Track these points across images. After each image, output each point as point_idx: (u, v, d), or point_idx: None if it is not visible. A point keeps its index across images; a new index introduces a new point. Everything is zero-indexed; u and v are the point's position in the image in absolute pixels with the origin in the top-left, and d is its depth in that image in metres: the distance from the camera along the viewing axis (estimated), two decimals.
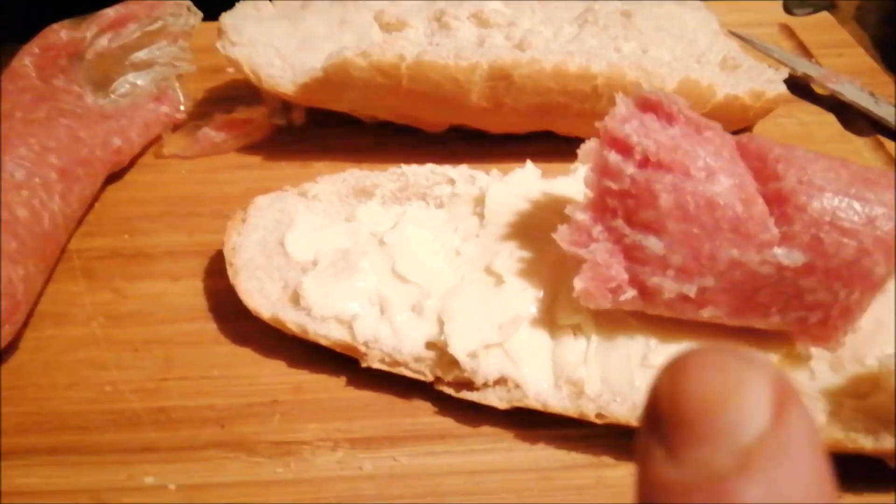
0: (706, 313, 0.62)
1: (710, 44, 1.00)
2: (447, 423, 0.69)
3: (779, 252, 0.59)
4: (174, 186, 0.97)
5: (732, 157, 0.62)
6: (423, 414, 0.70)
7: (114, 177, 0.98)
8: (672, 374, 0.25)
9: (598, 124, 0.65)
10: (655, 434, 0.25)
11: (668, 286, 0.61)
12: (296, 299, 0.72)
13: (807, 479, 0.24)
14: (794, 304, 0.61)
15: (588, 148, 0.65)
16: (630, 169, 0.62)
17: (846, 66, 1.14)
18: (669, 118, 0.64)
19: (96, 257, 0.87)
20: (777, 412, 0.23)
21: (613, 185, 0.63)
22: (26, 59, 0.94)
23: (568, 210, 0.66)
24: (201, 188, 0.96)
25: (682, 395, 0.24)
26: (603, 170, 0.63)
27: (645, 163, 0.62)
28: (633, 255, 0.63)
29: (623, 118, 0.63)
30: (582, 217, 0.65)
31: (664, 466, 0.24)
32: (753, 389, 0.24)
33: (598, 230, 0.64)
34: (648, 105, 0.65)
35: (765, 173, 0.61)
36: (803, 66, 1.10)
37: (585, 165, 0.66)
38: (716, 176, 0.60)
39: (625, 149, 0.62)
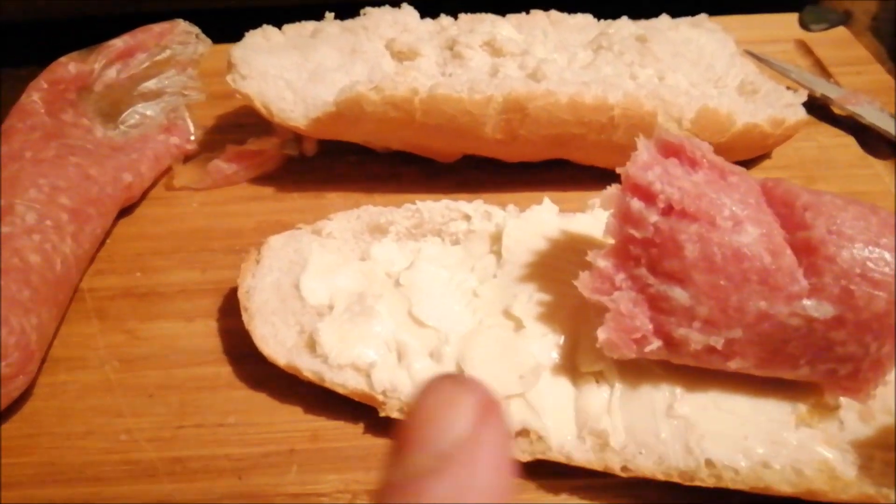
0: (734, 364, 0.61)
1: (727, 67, 0.98)
2: None
3: (808, 304, 0.57)
4: (185, 220, 0.96)
5: (758, 204, 0.61)
6: None
7: (125, 210, 0.97)
8: (413, 396, 0.31)
9: (619, 170, 0.63)
10: (393, 446, 0.29)
11: (695, 338, 0.60)
12: (312, 346, 0.71)
13: (490, 482, 0.27)
14: (823, 357, 0.59)
15: (609, 194, 0.64)
16: (653, 217, 0.61)
17: (865, 84, 1.12)
18: (693, 163, 0.62)
19: (108, 297, 0.87)
20: (476, 424, 0.28)
21: (636, 234, 0.61)
22: (35, 95, 0.93)
23: (590, 256, 0.64)
24: (213, 222, 0.95)
25: (410, 412, 0.30)
26: (625, 217, 0.62)
27: (669, 211, 0.60)
28: (657, 305, 0.61)
29: (645, 164, 0.62)
30: (604, 264, 0.63)
31: (389, 470, 0.29)
32: (460, 405, 0.28)
33: (620, 278, 0.63)
34: (671, 149, 0.63)
35: (792, 221, 0.60)
36: (822, 87, 1.08)
37: (606, 211, 0.64)
38: (742, 225, 0.59)
39: (648, 196, 0.61)
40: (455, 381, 0.30)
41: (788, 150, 1.01)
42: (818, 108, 1.08)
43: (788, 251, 0.58)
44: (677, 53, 0.95)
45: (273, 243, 0.80)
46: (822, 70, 1.17)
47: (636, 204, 0.61)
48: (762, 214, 0.60)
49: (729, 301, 0.58)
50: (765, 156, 1.00)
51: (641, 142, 0.63)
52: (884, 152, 1.02)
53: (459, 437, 0.27)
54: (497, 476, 0.28)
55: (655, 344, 0.61)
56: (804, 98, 0.97)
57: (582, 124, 0.87)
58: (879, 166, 1.01)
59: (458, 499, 0.26)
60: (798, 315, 0.58)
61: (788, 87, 1.00)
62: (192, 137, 1.04)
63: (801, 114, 0.95)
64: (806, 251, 0.58)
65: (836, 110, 1.08)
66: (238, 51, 0.92)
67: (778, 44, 1.22)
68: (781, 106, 0.94)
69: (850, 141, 1.04)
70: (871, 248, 0.57)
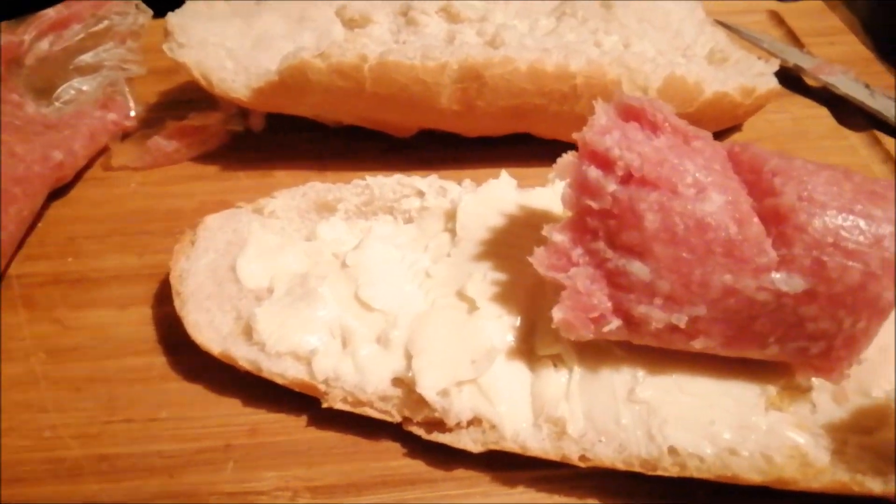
0: (698, 344, 0.56)
1: (696, 35, 0.94)
2: (417, 467, 0.63)
3: (777, 277, 0.53)
4: (123, 201, 0.90)
5: (724, 169, 0.56)
6: (391, 457, 0.64)
7: (59, 192, 0.90)
8: None
9: (576, 136, 0.58)
10: None
11: (656, 316, 0.55)
12: (248, 332, 0.65)
13: None
14: (794, 334, 0.55)
15: (565, 162, 0.59)
16: (611, 186, 0.56)
17: (839, 55, 1.08)
18: (654, 127, 0.57)
19: (37, 284, 0.80)
20: None
21: (594, 204, 0.56)
22: None
23: (545, 230, 0.60)
24: (152, 203, 0.89)
25: None
26: (582, 186, 0.57)
27: (628, 179, 0.56)
28: (616, 281, 0.56)
29: (603, 129, 0.57)
30: (560, 238, 0.58)
31: None
32: None
33: (577, 253, 0.58)
34: (631, 113, 0.58)
35: (760, 188, 0.55)
36: (794, 57, 1.04)
37: (563, 181, 0.59)
38: (706, 193, 0.54)
39: (605, 163, 0.56)
40: None
41: (760, 122, 0.97)
42: (791, 79, 1.04)
43: (756, 220, 0.54)
44: (643, 19, 0.91)
45: (210, 223, 0.74)
46: (795, 40, 1.13)
47: (594, 172, 0.56)
48: (728, 181, 0.55)
49: (692, 275, 0.54)
50: (735, 127, 0.96)
51: (600, 105, 0.58)
52: (858, 124, 0.98)
53: None
54: None
55: (614, 323, 0.57)
56: (776, 67, 0.93)
57: (543, 94, 0.82)
58: (854, 138, 0.97)
59: None
60: (766, 289, 0.53)
61: (760, 58, 0.95)
62: (132, 113, 0.98)
63: (773, 83, 0.91)
64: (775, 220, 0.54)
65: (810, 81, 1.04)
66: (175, 18, 0.86)
67: (750, 14, 1.18)
68: (752, 75, 0.90)
69: (823, 112, 1.00)
70: (844, 215, 0.53)
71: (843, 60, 1.06)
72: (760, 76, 0.90)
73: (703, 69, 0.87)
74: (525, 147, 0.92)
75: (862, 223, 0.53)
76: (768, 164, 0.55)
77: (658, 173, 0.54)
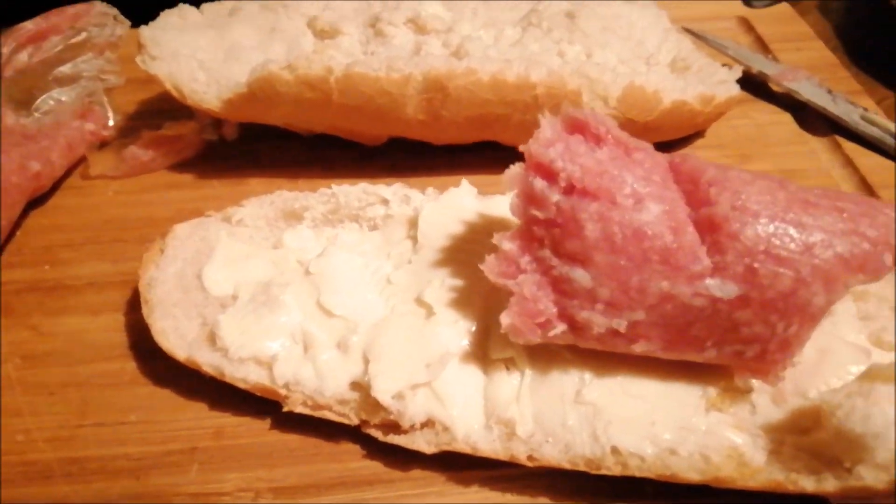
0: (639, 348, 0.59)
1: (659, 43, 0.96)
2: (376, 468, 0.66)
3: (711, 284, 0.55)
4: (100, 210, 0.92)
5: (664, 180, 0.58)
6: (350, 458, 0.66)
7: (37, 201, 0.93)
8: None
9: (522, 148, 0.60)
10: None
11: (598, 321, 0.57)
12: (212, 339, 0.67)
13: None
14: (729, 338, 0.57)
15: (513, 173, 0.61)
16: (555, 196, 0.58)
17: (805, 61, 1.10)
18: (597, 140, 0.60)
19: (14, 291, 0.83)
20: None
21: (539, 214, 0.59)
22: None
23: (495, 238, 0.62)
24: (128, 211, 0.91)
25: None
26: (528, 197, 0.59)
27: (570, 189, 0.58)
28: (561, 287, 0.59)
29: (548, 141, 0.59)
30: (509, 246, 0.61)
31: None
32: None
33: (525, 261, 0.60)
34: (576, 125, 0.60)
35: (697, 198, 0.57)
36: (759, 63, 1.06)
37: (512, 191, 0.61)
38: (644, 203, 0.56)
39: (550, 174, 0.58)
40: None
41: (723, 128, 0.99)
42: (756, 85, 1.06)
43: (690, 229, 0.56)
44: (607, 29, 0.93)
45: (179, 232, 0.76)
46: (763, 47, 1.15)
47: (539, 183, 0.59)
48: (666, 191, 0.57)
49: (630, 282, 0.56)
50: (698, 134, 0.98)
51: (545, 118, 0.60)
52: (821, 129, 1.00)
53: None
54: None
55: (560, 328, 0.59)
56: (738, 75, 0.95)
57: (505, 104, 0.84)
58: (815, 143, 0.99)
59: None
60: (701, 295, 0.55)
61: (724, 64, 0.97)
62: (111, 123, 1.00)
63: (734, 90, 0.93)
64: (710, 228, 0.56)
65: (774, 87, 1.06)
66: (148, 31, 0.88)
67: (720, 21, 1.20)
68: (714, 83, 0.92)
69: (786, 118, 1.02)
70: (776, 223, 0.55)
71: (809, 66, 1.08)
72: (722, 84, 0.93)
73: (663, 78, 0.89)
74: (494, 154, 0.94)
75: (793, 231, 0.55)
76: (705, 175, 0.57)
77: (598, 184, 0.56)
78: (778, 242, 0.55)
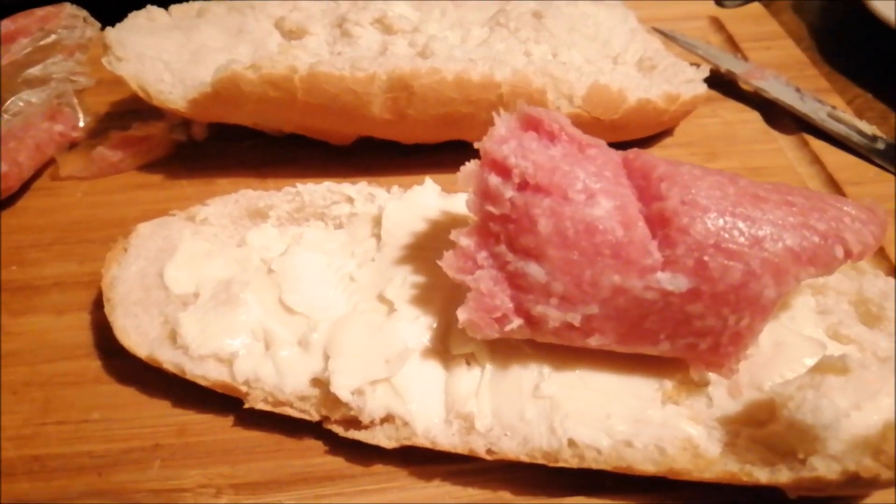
0: (594, 341, 0.59)
1: (626, 43, 0.96)
2: (338, 463, 0.66)
3: (662, 277, 0.56)
4: (68, 211, 0.92)
5: (616, 176, 0.59)
6: (312, 454, 0.67)
7: (6, 202, 0.93)
8: None
9: (477, 145, 0.61)
10: None
11: (553, 315, 0.58)
12: (174, 337, 0.68)
13: None
14: (682, 331, 0.58)
15: (468, 170, 0.62)
16: (509, 192, 0.59)
17: (774, 60, 1.11)
18: (551, 136, 0.60)
19: None
20: None
21: (494, 210, 0.59)
22: None
23: (453, 235, 0.62)
24: (96, 212, 0.91)
25: None
26: (484, 193, 0.60)
27: (524, 186, 0.58)
28: (516, 282, 0.59)
29: (502, 138, 0.59)
30: (466, 242, 0.61)
31: None
32: None
33: (482, 256, 0.61)
34: (531, 123, 0.61)
35: (649, 193, 0.58)
36: (727, 62, 1.07)
37: (468, 188, 0.62)
38: (595, 199, 0.57)
39: (504, 171, 0.59)
40: None
41: (691, 127, 1.00)
42: (725, 83, 1.07)
43: (641, 223, 0.56)
44: (573, 29, 0.93)
45: (142, 231, 0.76)
46: (733, 46, 1.16)
47: (493, 179, 0.59)
48: (618, 187, 0.58)
49: (583, 276, 0.56)
50: (667, 132, 0.99)
51: (499, 116, 0.61)
52: (788, 126, 1.01)
53: None
54: None
55: (516, 322, 0.59)
56: (706, 73, 0.96)
57: (470, 102, 0.85)
58: (782, 140, 1.00)
59: None
60: (653, 289, 0.56)
61: (693, 64, 0.98)
62: (81, 124, 1.00)
63: (701, 89, 0.94)
64: (660, 223, 0.56)
65: (743, 85, 1.07)
66: (114, 33, 0.88)
67: (692, 20, 1.21)
68: (680, 82, 0.93)
69: (754, 116, 1.03)
70: (725, 217, 0.56)
71: (778, 65, 1.09)
72: (689, 82, 0.93)
73: (628, 77, 0.90)
74: (462, 153, 0.93)
75: (742, 225, 0.56)
76: (657, 171, 0.58)
77: (550, 180, 0.57)
78: (727, 236, 0.55)
